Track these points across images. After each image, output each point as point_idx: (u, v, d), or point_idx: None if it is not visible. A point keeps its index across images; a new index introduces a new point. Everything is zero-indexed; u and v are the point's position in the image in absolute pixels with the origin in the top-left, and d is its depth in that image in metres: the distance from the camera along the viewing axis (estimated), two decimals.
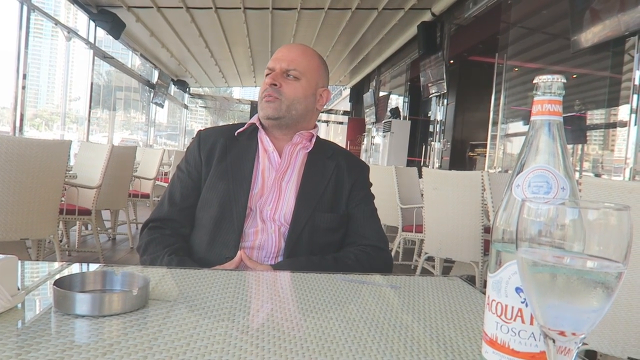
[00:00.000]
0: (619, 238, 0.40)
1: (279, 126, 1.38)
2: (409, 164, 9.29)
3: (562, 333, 0.41)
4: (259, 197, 1.33)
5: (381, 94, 12.29)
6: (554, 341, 0.42)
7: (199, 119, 25.13)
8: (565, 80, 0.54)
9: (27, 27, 6.53)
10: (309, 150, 1.41)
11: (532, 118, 0.55)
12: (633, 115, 4.05)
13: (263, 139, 1.40)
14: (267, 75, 1.38)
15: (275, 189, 1.34)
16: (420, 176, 4.30)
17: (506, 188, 0.55)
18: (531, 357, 0.52)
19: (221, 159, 1.37)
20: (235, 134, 1.40)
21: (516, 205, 0.53)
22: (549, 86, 0.53)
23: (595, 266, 0.40)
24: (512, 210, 0.53)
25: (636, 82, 4.01)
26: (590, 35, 4.41)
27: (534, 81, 0.55)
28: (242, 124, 1.43)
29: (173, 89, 16.07)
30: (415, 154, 9.89)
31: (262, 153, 1.38)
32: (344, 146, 7.91)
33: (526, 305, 0.52)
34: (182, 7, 8.13)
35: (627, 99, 4.20)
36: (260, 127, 1.41)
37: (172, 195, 1.38)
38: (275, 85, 1.34)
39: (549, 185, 0.52)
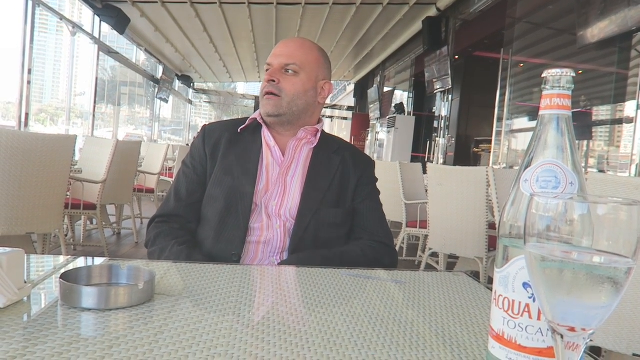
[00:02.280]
0: (629, 233, 0.40)
1: (281, 122, 1.37)
2: (414, 159, 9.28)
3: (571, 329, 0.41)
4: (264, 193, 1.33)
5: (386, 89, 12.26)
6: (562, 337, 0.42)
7: (203, 114, 25.15)
8: (574, 75, 0.53)
9: (32, 22, 6.55)
10: (314, 146, 1.40)
11: (541, 112, 0.54)
12: (639, 112, 4.02)
13: (265, 134, 1.39)
14: (266, 71, 1.38)
15: (280, 185, 1.34)
16: (424, 172, 4.29)
17: (514, 183, 0.55)
18: (538, 352, 0.52)
19: (226, 154, 1.36)
20: (239, 130, 1.40)
21: (524, 200, 0.53)
22: (558, 80, 0.53)
23: (604, 261, 0.40)
24: (520, 205, 0.53)
25: None
26: (596, 31, 4.38)
27: (543, 75, 0.54)
28: (247, 119, 1.42)
29: (177, 84, 16.08)
30: (420, 150, 9.86)
31: (265, 148, 1.38)
32: (348, 142, 7.89)
33: (534, 301, 0.52)
34: (186, 2, 8.13)
35: (633, 95, 4.17)
36: (262, 122, 1.40)
37: (178, 191, 1.38)
38: (274, 81, 1.33)
39: (558, 180, 0.51)
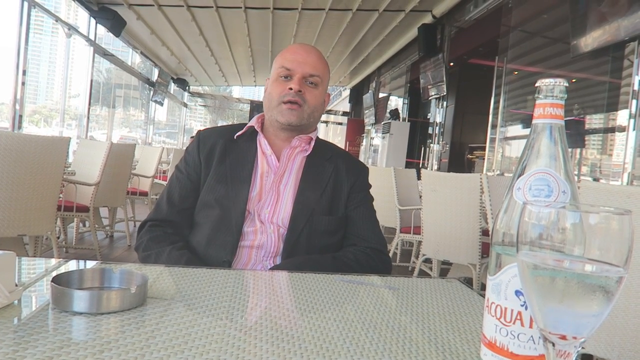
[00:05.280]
0: (620, 242, 0.40)
1: (291, 130, 1.37)
2: (408, 165, 9.30)
3: (563, 337, 0.41)
4: (257, 201, 1.32)
5: (381, 95, 12.30)
6: (553, 345, 0.42)
7: (198, 118, 25.11)
8: (567, 84, 0.54)
9: (28, 24, 6.52)
10: (307, 154, 1.39)
11: (534, 121, 0.55)
12: (632, 120, 4.06)
13: (261, 141, 1.39)
14: (284, 76, 1.34)
15: (273, 193, 1.34)
16: (418, 178, 4.30)
17: (507, 191, 0.55)
18: None
19: (220, 161, 1.36)
20: (235, 137, 1.39)
21: (517, 208, 0.53)
22: (551, 90, 0.53)
23: (596, 270, 0.40)
24: (513, 213, 0.53)
25: (635, 87, 4.02)
26: (590, 40, 4.42)
27: (536, 84, 0.55)
28: (242, 125, 1.42)
29: (173, 87, 16.05)
30: (414, 156, 9.90)
31: (260, 156, 1.37)
32: (343, 147, 7.92)
33: (526, 308, 0.52)
34: (183, 6, 8.13)
35: (626, 103, 4.20)
36: (259, 130, 1.40)
37: (171, 197, 1.37)
38: (300, 91, 1.32)
39: (550, 189, 0.52)
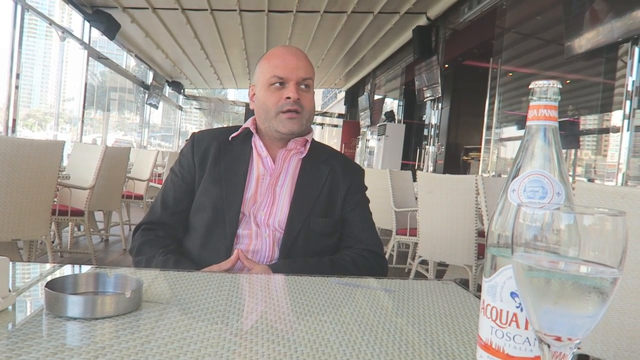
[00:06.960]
0: (614, 244, 0.40)
1: (290, 137, 1.36)
2: (404, 167, 9.32)
3: (558, 338, 0.41)
4: (253, 203, 1.32)
5: (376, 97, 12.32)
6: (549, 346, 0.42)
7: (193, 121, 25.07)
8: (560, 86, 0.54)
9: (21, 27, 6.50)
10: (303, 156, 1.39)
11: (528, 123, 0.55)
12: (626, 121, 4.08)
13: (257, 143, 1.38)
14: (278, 83, 1.31)
15: (269, 195, 1.33)
16: (414, 180, 4.31)
17: (502, 193, 0.55)
18: None
19: (215, 163, 1.35)
20: (229, 138, 1.39)
21: (512, 210, 0.53)
22: (545, 91, 0.54)
23: (591, 271, 0.40)
24: (508, 215, 0.53)
25: (629, 88, 4.04)
26: (584, 41, 4.44)
27: (530, 86, 0.55)
28: (236, 127, 1.41)
29: (168, 90, 16.01)
30: (410, 158, 9.91)
31: (256, 158, 1.37)
32: (339, 149, 7.92)
33: (521, 310, 0.52)
34: (177, 9, 8.12)
35: (620, 104, 4.23)
36: (254, 132, 1.39)
37: (165, 199, 1.37)
38: (298, 99, 1.30)
39: (545, 190, 0.52)
